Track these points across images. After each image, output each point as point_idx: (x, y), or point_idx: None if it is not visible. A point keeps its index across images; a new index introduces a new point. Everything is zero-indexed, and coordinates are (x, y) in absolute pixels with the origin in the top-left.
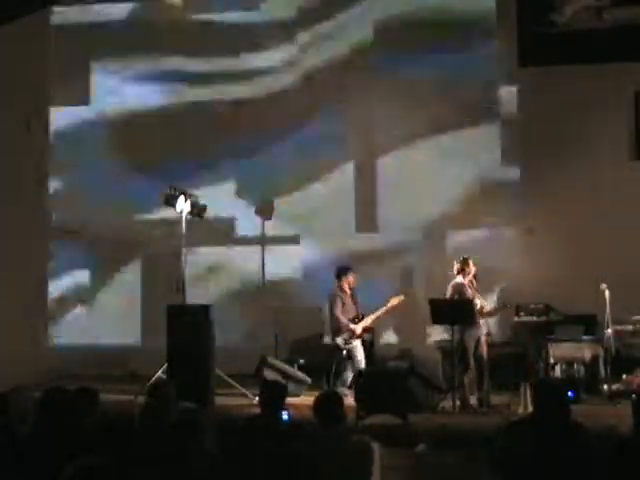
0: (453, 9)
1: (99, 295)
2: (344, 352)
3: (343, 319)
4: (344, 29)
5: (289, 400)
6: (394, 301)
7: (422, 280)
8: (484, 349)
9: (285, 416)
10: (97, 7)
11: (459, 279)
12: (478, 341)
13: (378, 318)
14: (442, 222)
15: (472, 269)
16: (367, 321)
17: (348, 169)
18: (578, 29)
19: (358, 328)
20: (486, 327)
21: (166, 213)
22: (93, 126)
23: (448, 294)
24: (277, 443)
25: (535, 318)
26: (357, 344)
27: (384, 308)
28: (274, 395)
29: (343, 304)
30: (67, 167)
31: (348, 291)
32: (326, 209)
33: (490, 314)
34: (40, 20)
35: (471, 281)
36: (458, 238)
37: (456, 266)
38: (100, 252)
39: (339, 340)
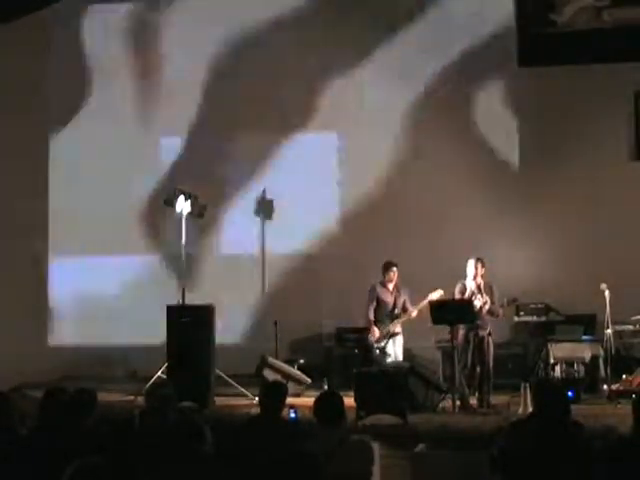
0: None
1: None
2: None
3: (370, 316)
4: None
5: (289, 400)
6: (433, 295)
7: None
8: (487, 349)
9: (292, 414)
10: None
11: (468, 280)
12: (481, 341)
13: (410, 316)
14: (443, 222)
15: (481, 270)
16: (398, 322)
17: None
18: (578, 29)
19: (376, 332)
20: (489, 327)
21: None
22: None
23: (456, 294)
24: (277, 443)
25: (535, 318)
26: (388, 345)
27: (420, 305)
28: (274, 395)
29: (377, 300)
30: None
31: (389, 287)
32: None
33: (498, 314)
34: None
35: (479, 282)
36: (459, 238)
37: (470, 266)
38: None
39: (370, 339)
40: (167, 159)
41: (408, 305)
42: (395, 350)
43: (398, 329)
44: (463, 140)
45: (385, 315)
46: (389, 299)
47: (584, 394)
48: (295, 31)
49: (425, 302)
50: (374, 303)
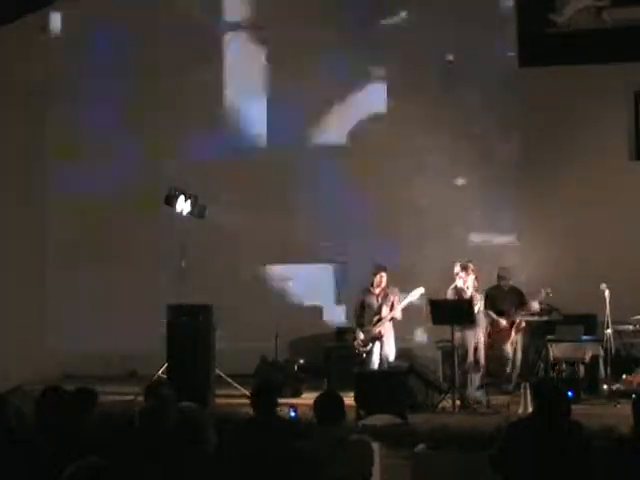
0: None
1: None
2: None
3: (354, 321)
4: None
5: (289, 400)
6: (414, 294)
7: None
8: (483, 351)
9: (292, 413)
10: None
11: (459, 283)
12: (478, 342)
13: (393, 317)
14: (444, 223)
15: (471, 272)
16: (380, 325)
17: None
18: (578, 29)
19: (360, 334)
20: (488, 328)
21: None
22: None
23: (448, 297)
24: (277, 443)
25: (535, 318)
26: (373, 348)
27: (402, 304)
28: (265, 394)
29: (362, 304)
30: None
31: (375, 291)
32: None
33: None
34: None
35: (475, 283)
36: (460, 239)
37: (456, 269)
38: None
39: (355, 343)
40: None
41: (396, 307)
42: (384, 352)
43: (387, 331)
44: (462, 138)
45: (371, 319)
46: (375, 303)
47: (584, 394)
48: None
49: (406, 302)
50: (360, 307)
